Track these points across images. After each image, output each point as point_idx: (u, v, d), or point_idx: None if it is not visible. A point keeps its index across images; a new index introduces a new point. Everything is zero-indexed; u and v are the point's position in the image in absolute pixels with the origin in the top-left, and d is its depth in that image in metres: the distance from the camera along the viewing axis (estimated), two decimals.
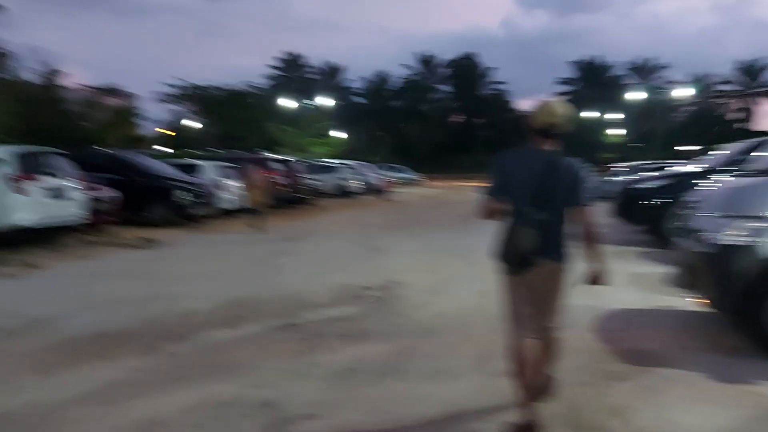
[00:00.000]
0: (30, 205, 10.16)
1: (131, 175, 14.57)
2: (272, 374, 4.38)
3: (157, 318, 5.92)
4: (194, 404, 3.84)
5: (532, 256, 3.30)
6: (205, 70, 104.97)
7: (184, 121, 51.28)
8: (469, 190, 38.42)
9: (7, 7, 11.21)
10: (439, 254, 10.50)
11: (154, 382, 4.23)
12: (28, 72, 18.83)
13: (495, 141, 79.00)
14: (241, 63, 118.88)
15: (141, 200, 14.40)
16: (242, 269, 8.89)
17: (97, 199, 12.62)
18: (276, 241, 12.00)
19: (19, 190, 10.03)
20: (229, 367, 4.56)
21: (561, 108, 3.50)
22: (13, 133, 17.28)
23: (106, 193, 13.02)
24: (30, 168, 10.33)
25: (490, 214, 3.51)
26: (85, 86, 19.06)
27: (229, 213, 17.35)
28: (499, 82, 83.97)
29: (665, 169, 15.72)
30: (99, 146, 17.70)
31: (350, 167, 30.88)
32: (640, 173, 17.51)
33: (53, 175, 10.73)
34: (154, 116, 49.88)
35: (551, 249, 3.36)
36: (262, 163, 19.48)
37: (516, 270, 3.39)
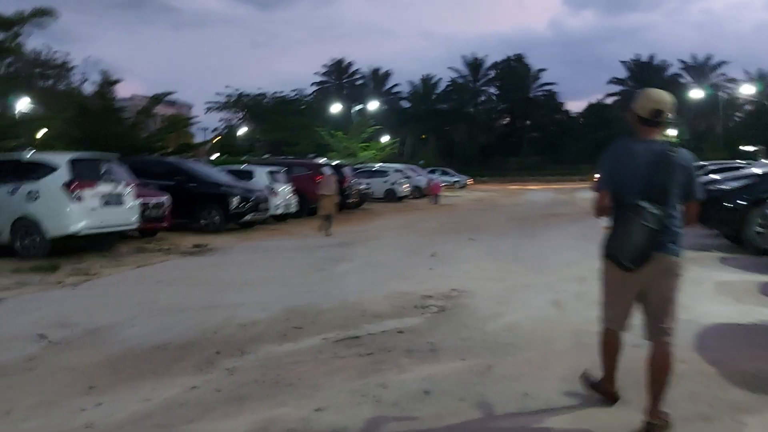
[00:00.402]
0: (86, 213, 10.13)
1: (185, 181, 14.55)
2: (338, 395, 4.01)
3: (216, 329, 5.65)
4: (257, 431, 3.50)
5: (648, 252, 3.19)
6: (256, 78, 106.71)
7: (235, 129, 52.02)
8: (521, 193, 37.68)
9: (58, 11, 11.30)
10: (501, 260, 10.00)
11: (213, 402, 3.92)
12: (88, 83, 19.08)
13: (543, 143, 77.73)
14: (291, 70, 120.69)
15: (195, 206, 14.37)
16: (298, 276, 8.58)
17: (151, 206, 12.61)
18: (331, 247, 11.70)
19: (75, 198, 10.01)
20: (290, 386, 4.22)
21: (666, 94, 3.34)
22: (73, 141, 17.58)
23: (159, 199, 12.99)
24: (86, 175, 10.31)
25: (603, 210, 3.39)
26: (142, 96, 19.27)
27: (281, 219, 17.24)
28: (548, 83, 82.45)
29: (739, 169, 14.78)
30: (153, 153, 17.84)
31: (398, 171, 30.53)
32: (710, 174, 16.56)
33: (109, 182, 10.69)
34: (207, 124, 50.74)
35: (667, 243, 3.25)
36: (315, 168, 19.32)
37: (630, 266, 3.22)
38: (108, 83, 17.95)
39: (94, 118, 18.00)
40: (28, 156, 10.60)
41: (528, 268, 9.05)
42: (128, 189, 11.13)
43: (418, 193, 31.35)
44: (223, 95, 52.78)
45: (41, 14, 11.93)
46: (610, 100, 77.90)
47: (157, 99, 18.35)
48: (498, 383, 4.20)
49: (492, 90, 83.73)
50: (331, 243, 12.40)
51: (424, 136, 71.76)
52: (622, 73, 77.96)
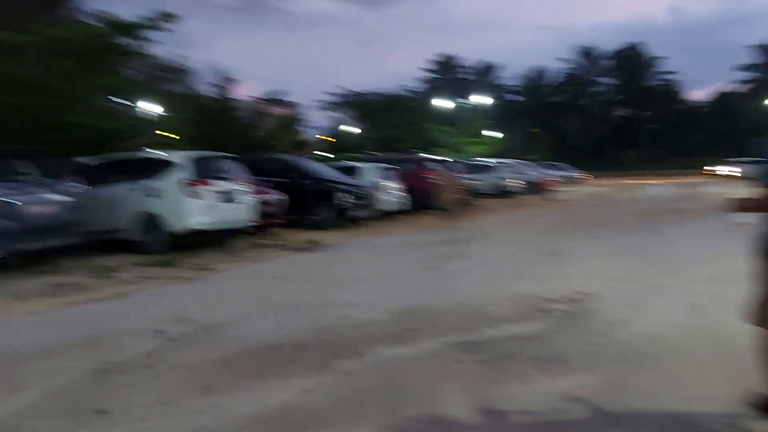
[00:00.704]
0: (203, 209, 10.44)
1: (296, 178, 14.77)
2: (461, 408, 3.69)
3: (330, 329, 5.50)
4: None
5: None
6: (365, 77, 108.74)
7: (344, 127, 52.83)
8: (639, 188, 35.50)
9: (176, 15, 11.90)
10: (626, 259, 9.27)
11: (329, 409, 3.72)
12: (206, 85, 19.99)
13: (662, 135, 73.12)
14: (399, 68, 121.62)
15: (306, 203, 14.54)
16: (411, 274, 8.33)
17: (265, 202, 12.86)
18: (443, 244, 11.38)
19: (194, 195, 10.33)
20: (408, 393, 3.95)
21: None
22: (192, 140, 18.42)
23: (274, 196, 13.23)
24: (204, 173, 10.63)
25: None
26: (255, 97, 19.93)
27: (390, 215, 17.12)
28: (668, 72, 77.39)
29: None
30: (266, 151, 18.35)
31: (508, 166, 29.65)
32: None
33: (225, 180, 10.97)
34: (317, 123, 51.87)
35: None
36: (422, 164, 19.09)
37: None
38: (225, 83, 18.68)
39: (211, 118, 18.79)
40: (150, 154, 11.08)
41: (656, 268, 8.28)
42: (245, 186, 11.38)
43: (529, 188, 30.33)
44: (333, 94, 53.75)
45: (165, 18, 12.48)
46: (738, 88, 71.91)
47: (271, 99, 18.89)
48: (635, 399, 3.72)
49: (607, 81, 79.85)
50: (441, 240, 12.07)
51: (535, 129, 69.73)
52: (749, 60, 71.70)
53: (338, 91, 53.71)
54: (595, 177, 52.17)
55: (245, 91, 19.45)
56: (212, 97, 19.93)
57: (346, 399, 3.87)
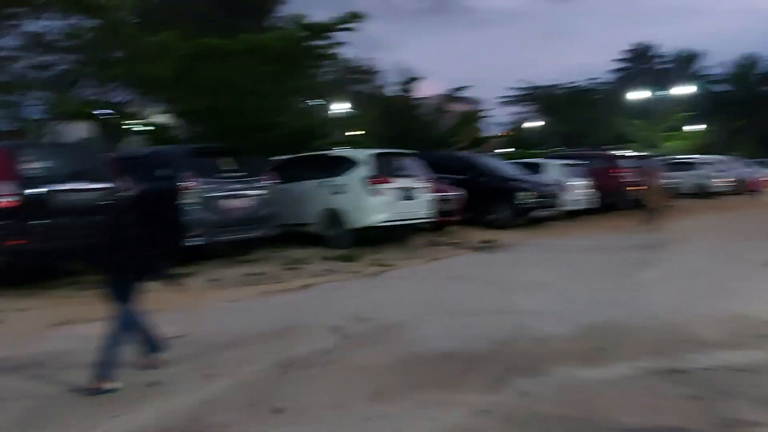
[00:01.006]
0: (383, 206, 10.57)
1: (474, 175, 14.47)
2: None
3: (507, 340, 5.16)
4: None
5: None
6: (549, 71, 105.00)
7: (526, 122, 51.39)
8: None
9: (367, 18, 12.27)
10: None
11: None
12: (391, 85, 20.36)
13: None
14: (585, 61, 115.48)
15: (483, 201, 14.20)
16: (597, 283, 7.66)
17: (443, 200, 12.76)
18: (635, 249, 10.40)
19: (375, 192, 10.49)
20: (594, 422, 3.50)
21: None
22: (376, 138, 18.92)
23: (452, 193, 13.08)
24: (384, 170, 10.76)
25: None
26: (437, 95, 19.92)
27: (574, 215, 16.16)
28: None
29: None
30: (445, 148, 18.29)
31: (712, 163, 26.66)
32: None
33: (404, 177, 11.02)
34: (498, 119, 51.06)
35: None
36: (613, 160, 17.80)
37: None
38: (408, 81, 18.90)
39: (395, 116, 19.13)
40: (335, 152, 11.48)
41: None
42: (424, 183, 11.35)
43: (736, 188, 27.03)
44: (516, 89, 52.48)
45: (353, 19, 12.87)
46: None
47: (452, 96, 18.78)
48: None
49: None
50: (633, 244, 11.06)
51: (740, 123, 62.29)
52: None
53: (521, 85, 52.28)
54: None
55: (431, 89, 19.41)
56: (397, 96, 20.23)
57: (523, 424, 3.53)
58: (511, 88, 53.63)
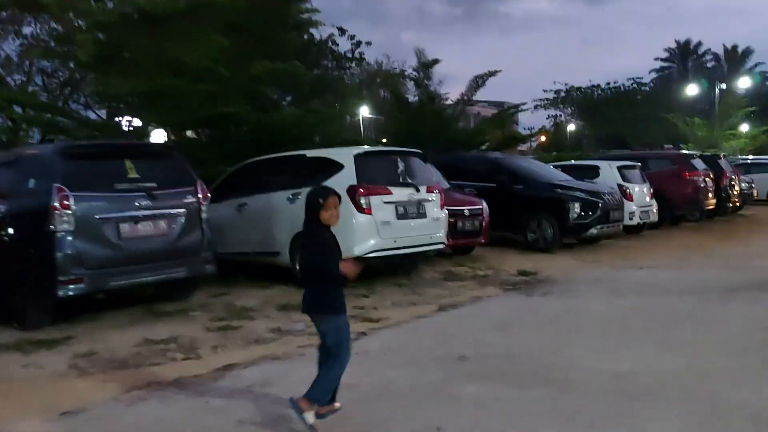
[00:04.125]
0: (375, 228, 7.30)
1: (506, 182, 11.11)
2: None
3: None
4: None
5: None
6: (587, 76, 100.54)
7: (564, 125, 48.11)
8: None
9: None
10: None
11: None
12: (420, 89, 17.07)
13: None
14: (624, 64, 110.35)
15: (520, 215, 10.86)
16: (737, 375, 4.21)
17: (465, 216, 9.49)
18: (755, 289, 6.86)
19: (362, 208, 7.23)
20: None
21: None
22: (391, 136, 15.70)
23: (477, 207, 9.79)
24: (377, 176, 7.51)
25: None
26: (463, 93, 16.70)
27: (635, 230, 12.64)
28: None
29: None
30: (469, 149, 14.93)
31: None
32: None
33: (407, 186, 7.74)
34: (534, 123, 47.74)
35: None
36: (683, 161, 14.23)
37: None
38: (424, 66, 15.55)
39: (411, 111, 15.87)
40: (311, 152, 8.23)
41: None
42: (433, 195, 8.07)
43: None
44: (551, 91, 49.06)
45: None
46: None
47: (479, 83, 15.39)
48: None
49: None
50: (746, 281, 7.51)
51: None
52: None
53: (558, 87, 48.84)
54: None
55: (458, 94, 16.49)
56: (422, 101, 16.92)
57: None
58: (546, 90, 50.41)
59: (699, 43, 69.78)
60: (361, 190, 7.26)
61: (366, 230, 7.24)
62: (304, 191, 7.61)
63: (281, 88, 11.95)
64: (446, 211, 8.43)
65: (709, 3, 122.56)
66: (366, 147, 8.16)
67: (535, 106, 51.53)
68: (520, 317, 6.05)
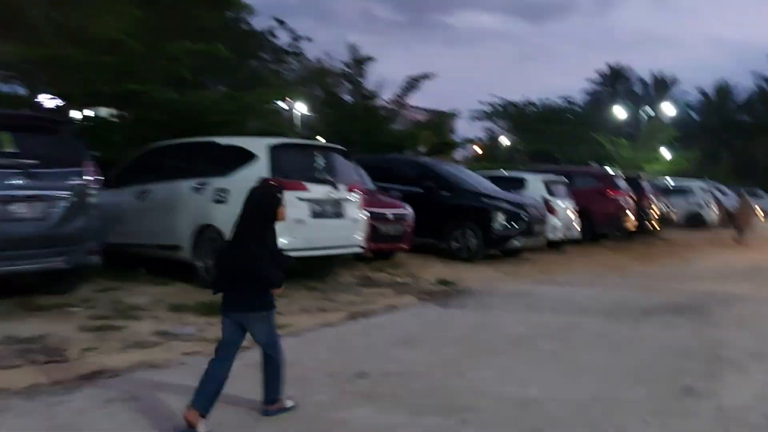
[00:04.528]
0: (288, 227, 6.78)
1: (434, 188, 10.79)
2: None
3: None
4: None
5: None
6: (524, 92, 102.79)
7: (495, 137, 48.91)
8: None
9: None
10: None
11: None
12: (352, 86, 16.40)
13: None
14: (559, 83, 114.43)
15: (446, 222, 10.57)
16: (645, 404, 3.97)
17: (386, 219, 9.10)
18: (666, 313, 6.74)
19: None
20: None
21: None
22: (327, 136, 15.11)
23: (401, 211, 9.42)
24: (292, 171, 6.98)
25: None
26: (398, 98, 16.23)
27: (556, 245, 12.63)
28: None
29: None
30: (401, 152, 14.56)
31: (707, 190, 23.63)
32: None
33: (324, 183, 7.26)
34: (467, 134, 48.22)
35: None
36: (606, 180, 14.37)
37: None
38: (357, 62, 15.01)
39: (343, 108, 15.32)
40: (223, 140, 7.62)
41: None
42: (353, 195, 7.63)
43: (722, 218, 23.96)
44: (487, 103, 49.85)
45: None
46: None
47: (413, 85, 14.99)
48: None
49: None
50: (658, 303, 7.44)
51: (717, 150, 60.55)
52: None
53: (492, 100, 49.70)
54: None
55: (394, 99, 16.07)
56: (353, 93, 16.31)
57: None
58: (483, 102, 51.21)
59: (629, 68, 72.62)
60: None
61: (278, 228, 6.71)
62: (211, 181, 7.11)
63: (210, 74, 11.25)
64: (367, 213, 8.01)
65: (641, 31, 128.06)
66: (284, 138, 7.61)
67: (472, 117, 52.37)
68: (431, 331, 5.68)
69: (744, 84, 68.55)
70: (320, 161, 7.30)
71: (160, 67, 9.33)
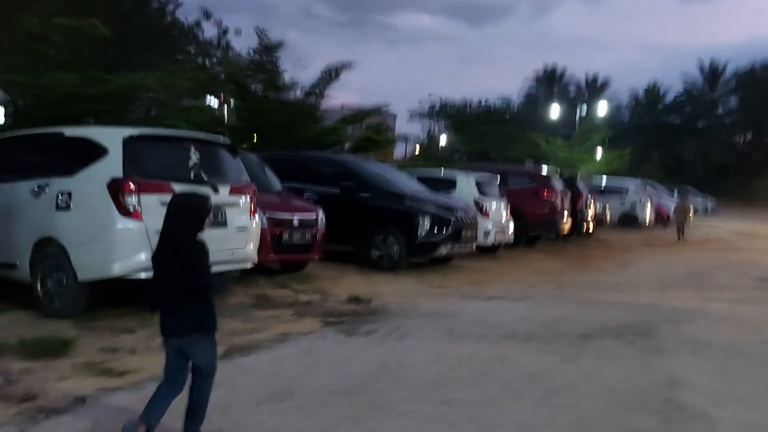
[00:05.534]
0: (147, 239, 5.35)
1: (351, 188, 9.55)
2: None
3: None
4: None
5: None
6: (463, 92, 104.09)
7: (436, 138, 48.62)
8: None
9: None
10: None
11: None
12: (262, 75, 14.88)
13: None
14: (497, 85, 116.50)
15: (365, 227, 9.38)
16: None
17: (291, 225, 7.82)
18: (608, 336, 5.66)
19: (127, 210, 5.30)
20: None
21: None
22: (234, 131, 13.58)
23: (310, 215, 8.15)
24: (153, 168, 5.60)
25: None
26: (351, 106, 15.00)
27: (489, 250, 11.64)
28: None
29: None
30: (325, 149, 13.23)
31: (641, 189, 23.36)
32: None
33: (198, 182, 5.86)
34: (406, 132, 47.57)
35: None
36: (542, 180, 13.49)
37: None
38: (266, 48, 13.47)
39: (253, 101, 13.84)
40: (71, 130, 6.10)
41: None
42: (239, 198, 6.28)
43: (655, 218, 23.80)
44: (426, 103, 49.69)
45: None
46: None
47: (332, 75, 13.64)
48: None
49: (729, 103, 70.86)
50: (601, 322, 6.40)
51: (648, 149, 62.11)
52: None
53: (432, 100, 49.59)
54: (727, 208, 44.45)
55: (343, 101, 14.92)
56: (265, 84, 14.75)
57: None
58: (421, 102, 51.09)
59: (564, 70, 73.83)
60: (130, 186, 5.31)
61: (132, 241, 5.29)
62: (53, 182, 5.64)
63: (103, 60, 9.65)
64: (259, 220, 6.70)
65: (576, 34, 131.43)
66: (146, 129, 6.16)
67: (410, 116, 51.91)
68: (318, 376, 4.39)
69: (673, 86, 71.07)
70: (194, 157, 5.90)
71: (16, 44, 7.72)
